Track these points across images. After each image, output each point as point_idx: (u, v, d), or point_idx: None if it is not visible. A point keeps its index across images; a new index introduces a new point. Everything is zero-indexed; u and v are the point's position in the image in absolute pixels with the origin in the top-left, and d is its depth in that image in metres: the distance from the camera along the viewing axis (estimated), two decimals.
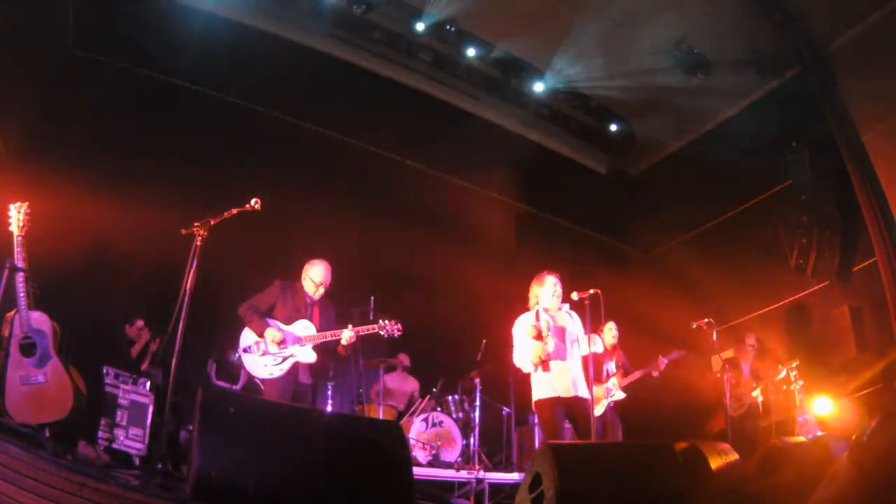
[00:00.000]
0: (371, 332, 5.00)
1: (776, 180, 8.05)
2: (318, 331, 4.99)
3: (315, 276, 5.09)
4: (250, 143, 7.43)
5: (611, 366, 6.50)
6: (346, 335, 4.93)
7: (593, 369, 4.97)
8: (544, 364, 4.75)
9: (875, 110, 6.97)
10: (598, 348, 5.05)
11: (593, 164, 9.89)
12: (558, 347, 4.83)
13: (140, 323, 6.54)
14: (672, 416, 7.67)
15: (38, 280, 4.51)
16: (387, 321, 5.06)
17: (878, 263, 6.78)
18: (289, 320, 4.98)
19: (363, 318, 6.08)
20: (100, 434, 5.19)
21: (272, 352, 4.86)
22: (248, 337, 4.95)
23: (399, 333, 5.09)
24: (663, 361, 6.47)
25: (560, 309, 5.01)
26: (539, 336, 4.76)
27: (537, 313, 4.89)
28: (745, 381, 6.90)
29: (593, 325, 5.03)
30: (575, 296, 4.97)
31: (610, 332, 6.66)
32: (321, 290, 5.12)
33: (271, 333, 4.86)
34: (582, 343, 4.90)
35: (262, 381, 4.88)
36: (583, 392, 4.79)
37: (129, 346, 6.50)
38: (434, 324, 8.08)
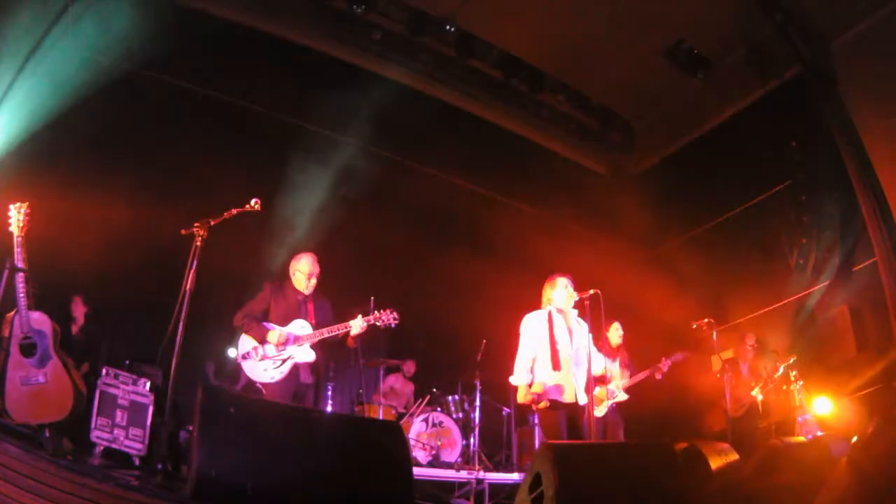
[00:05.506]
0: (368, 324, 4.88)
1: (776, 180, 8.05)
2: (315, 327, 4.90)
3: (304, 268, 5.01)
4: (250, 143, 7.44)
5: (614, 367, 6.50)
6: (358, 325, 4.81)
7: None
8: (554, 360, 4.67)
9: (875, 110, 6.97)
10: (598, 364, 4.97)
11: (593, 164, 9.90)
12: (565, 349, 4.80)
13: (77, 299, 6.28)
14: (672, 416, 7.66)
15: (37, 280, 4.51)
16: (382, 311, 4.93)
17: (878, 263, 6.78)
18: (284, 321, 4.91)
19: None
20: (100, 434, 5.19)
21: (270, 355, 4.80)
22: (246, 343, 4.88)
23: (396, 322, 4.94)
24: (666, 363, 6.47)
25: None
26: (536, 401, 4.65)
27: (549, 314, 4.84)
28: (745, 382, 6.90)
29: (594, 326, 5.01)
30: (575, 296, 4.95)
31: (616, 332, 6.67)
32: (313, 282, 5.03)
33: (274, 335, 4.81)
34: (592, 356, 4.77)
35: (264, 384, 4.81)
36: (582, 400, 4.74)
37: (70, 323, 6.22)
38: (433, 324, 8.07)
